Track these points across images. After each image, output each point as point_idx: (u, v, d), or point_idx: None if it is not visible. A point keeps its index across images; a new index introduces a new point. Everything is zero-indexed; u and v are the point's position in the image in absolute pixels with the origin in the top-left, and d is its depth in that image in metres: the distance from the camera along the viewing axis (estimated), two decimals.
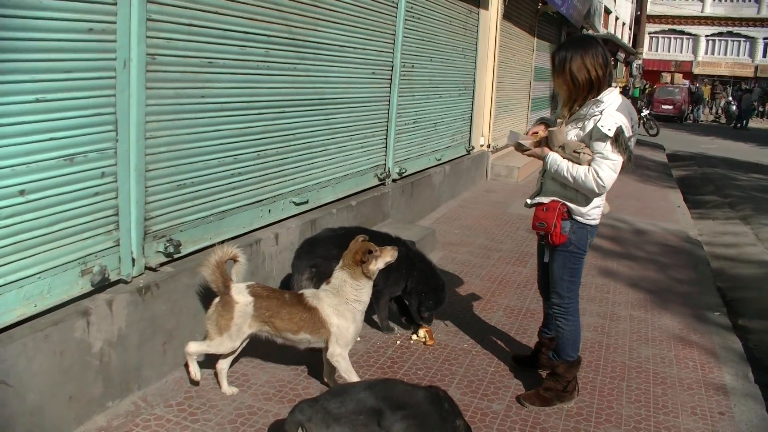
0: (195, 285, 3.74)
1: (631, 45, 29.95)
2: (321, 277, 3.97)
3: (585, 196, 3.39)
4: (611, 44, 35.34)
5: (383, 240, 4.38)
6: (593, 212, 3.46)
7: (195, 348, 3.43)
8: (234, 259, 3.49)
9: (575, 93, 3.34)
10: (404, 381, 3.03)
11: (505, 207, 8.74)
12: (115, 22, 3.08)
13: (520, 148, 3.56)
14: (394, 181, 6.84)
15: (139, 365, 3.41)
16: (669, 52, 47.41)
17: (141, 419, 3.21)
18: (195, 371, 3.46)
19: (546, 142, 3.46)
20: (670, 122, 30.37)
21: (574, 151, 3.31)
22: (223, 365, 3.54)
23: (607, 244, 7.41)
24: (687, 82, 38.05)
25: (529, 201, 3.67)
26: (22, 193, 2.77)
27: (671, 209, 9.86)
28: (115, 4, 3.07)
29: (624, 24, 40.93)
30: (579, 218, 3.45)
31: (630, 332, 4.87)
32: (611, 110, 3.24)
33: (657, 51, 47.28)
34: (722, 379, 4.20)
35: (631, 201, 10.14)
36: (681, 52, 47.20)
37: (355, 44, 5.57)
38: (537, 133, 3.54)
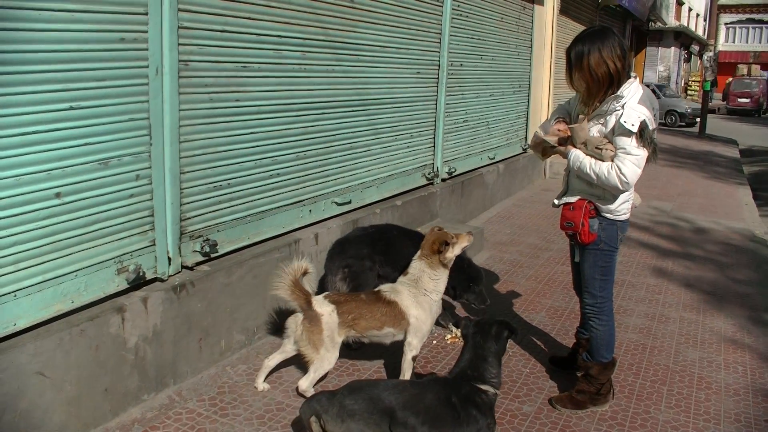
0: (231, 283, 3.85)
1: (705, 37, 28.95)
2: (354, 277, 4.02)
3: (612, 192, 3.33)
4: (684, 37, 34.20)
5: (413, 237, 4.39)
6: (622, 207, 3.39)
7: (307, 384, 3.44)
8: (305, 272, 3.51)
9: (595, 88, 3.24)
10: (419, 381, 3.04)
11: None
12: (146, 31, 3.21)
13: (546, 144, 3.51)
14: (443, 180, 6.83)
15: (174, 361, 3.54)
16: (747, 42, 45.39)
17: (173, 412, 3.33)
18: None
19: (570, 139, 3.40)
20: (747, 116, 29.19)
21: (597, 147, 3.25)
22: (270, 362, 3.60)
23: (664, 243, 7.20)
24: (765, 73, 36.37)
25: (556, 201, 3.61)
26: (58, 195, 2.93)
27: (737, 207, 9.48)
28: (147, 14, 3.19)
29: (698, 15, 39.47)
30: (608, 215, 3.38)
31: (678, 334, 4.73)
32: (633, 104, 3.15)
33: (734, 42, 45.36)
34: None
35: (695, 198, 9.82)
36: (760, 42, 45.11)
37: (398, 44, 5.59)
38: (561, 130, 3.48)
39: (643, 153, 3.18)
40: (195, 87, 3.56)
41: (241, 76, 3.87)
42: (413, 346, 3.56)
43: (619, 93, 3.20)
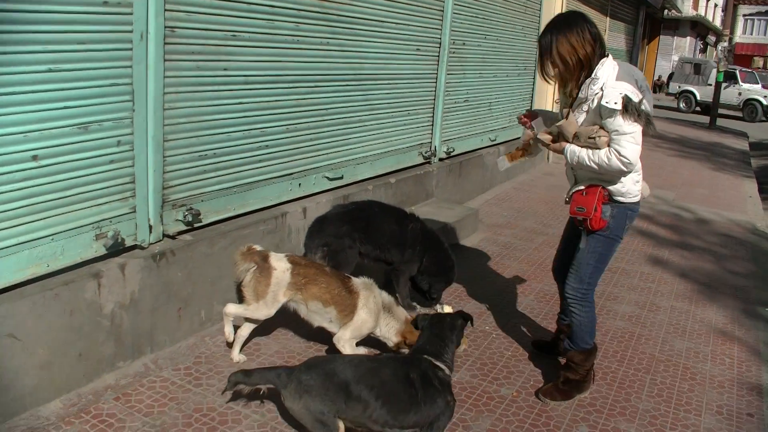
0: (213, 254, 3.82)
1: (721, 27, 28.61)
2: (333, 255, 3.97)
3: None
4: (700, 27, 33.77)
5: (396, 214, 4.34)
6: (634, 188, 3.31)
7: (232, 310, 3.51)
8: None
9: (567, 74, 3.20)
10: (377, 357, 3.04)
11: (561, 191, 8.46)
12: None
13: (540, 142, 3.48)
14: (440, 159, 6.77)
15: (152, 329, 3.52)
16: (765, 35, 44.73)
17: (147, 380, 3.33)
18: (229, 332, 3.56)
19: (560, 136, 3.35)
20: None
21: (589, 137, 3.17)
22: (243, 332, 3.61)
23: (662, 231, 7.14)
24: None
25: (567, 198, 3.53)
26: (34, 158, 2.89)
27: (741, 199, 9.39)
28: None
29: (716, 5, 38.92)
30: (620, 198, 3.30)
31: (667, 324, 4.69)
32: (611, 82, 3.08)
33: (752, 34, 44.73)
34: (759, 379, 3.99)
35: (698, 189, 9.72)
36: None
37: (397, 20, 5.50)
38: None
39: (636, 128, 3.09)
40: (181, 54, 3.51)
41: (230, 45, 3.81)
42: (345, 339, 3.47)
43: (594, 76, 3.13)
